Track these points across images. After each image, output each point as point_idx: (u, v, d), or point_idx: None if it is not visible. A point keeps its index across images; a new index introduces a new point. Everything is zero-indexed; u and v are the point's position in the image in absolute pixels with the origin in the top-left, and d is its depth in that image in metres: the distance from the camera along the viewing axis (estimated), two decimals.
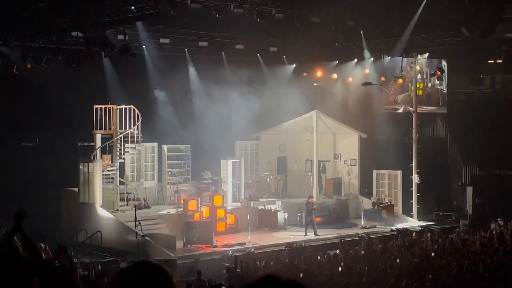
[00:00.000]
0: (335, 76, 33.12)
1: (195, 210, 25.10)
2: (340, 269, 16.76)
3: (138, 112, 26.45)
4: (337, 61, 32.94)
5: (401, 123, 32.96)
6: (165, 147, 29.33)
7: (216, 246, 23.15)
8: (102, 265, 19.42)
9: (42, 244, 19.67)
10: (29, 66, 25.16)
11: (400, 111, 31.30)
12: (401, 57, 31.00)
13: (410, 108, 30.73)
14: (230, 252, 22.00)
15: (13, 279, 3.11)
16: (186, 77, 31.15)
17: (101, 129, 26.31)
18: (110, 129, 26.34)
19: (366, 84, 30.77)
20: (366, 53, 31.32)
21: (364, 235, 25.10)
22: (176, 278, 17.71)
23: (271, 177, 31.75)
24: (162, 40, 29.24)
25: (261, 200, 29.18)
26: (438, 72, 30.32)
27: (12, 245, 7.02)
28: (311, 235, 25.53)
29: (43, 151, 28.17)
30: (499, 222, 25.21)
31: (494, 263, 16.56)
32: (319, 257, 19.60)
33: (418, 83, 30.89)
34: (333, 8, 28.35)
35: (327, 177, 32.13)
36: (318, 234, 25.73)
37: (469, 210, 31.20)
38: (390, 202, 29.91)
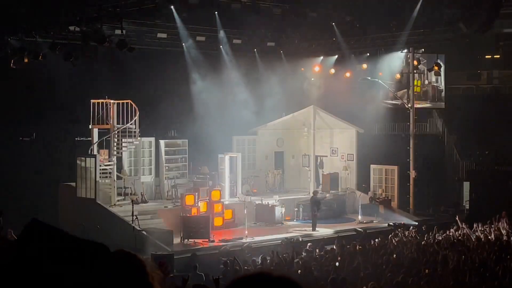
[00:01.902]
0: (332, 71, 33.12)
1: (193, 205, 25.12)
2: (337, 264, 16.80)
3: (136, 107, 26.44)
4: (335, 56, 32.93)
5: (399, 118, 33.01)
6: (162, 142, 29.35)
7: (213, 241, 23.18)
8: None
9: None
10: (26, 60, 25.09)
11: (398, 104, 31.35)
12: (399, 53, 31.06)
13: (408, 105, 30.78)
14: (228, 246, 22.05)
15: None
16: (183, 72, 31.11)
17: (98, 123, 26.27)
18: (107, 124, 26.33)
19: (363, 79, 30.80)
20: (364, 48, 31.30)
21: (361, 230, 25.17)
22: (173, 273, 17.73)
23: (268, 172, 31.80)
24: (159, 35, 29.20)
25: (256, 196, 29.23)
26: (436, 68, 30.36)
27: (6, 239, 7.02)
28: (308, 231, 25.61)
29: (40, 146, 28.15)
30: (499, 217, 25.17)
31: (491, 258, 16.61)
32: (317, 250, 19.65)
33: (415, 80, 30.95)
34: (330, 3, 28.31)
35: (324, 172, 32.17)
36: (316, 229, 25.82)
37: (466, 205, 31.25)
38: (387, 197, 29.99)
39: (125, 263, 2.73)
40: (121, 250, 2.81)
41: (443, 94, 33.84)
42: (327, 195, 26.60)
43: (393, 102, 32.35)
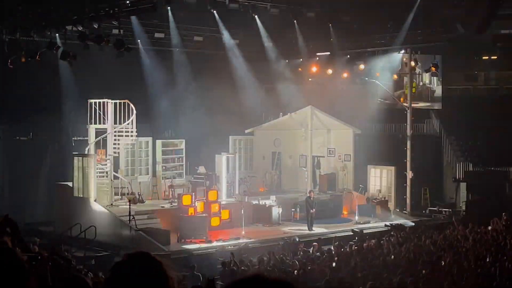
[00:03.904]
0: (330, 71, 33.11)
1: (190, 205, 25.10)
2: (334, 264, 16.80)
3: (133, 107, 26.41)
4: (332, 57, 32.90)
5: (396, 119, 33.03)
6: (159, 142, 29.32)
7: (210, 241, 23.17)
8: (96, 260, 19.42)
9: (36, 238, 19.71)
10: (23, 60, 25.06)
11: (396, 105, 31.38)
12: (396, 53, 31.08)
13: (405, 105, 30.81)
14: (225, 246, 22.03)
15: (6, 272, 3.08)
16: (181, 72, 31.10)
17: (95, 123, 26.25)
18: (104, 123, 26.30)
19: (361, 79, 30.81)
20: (361, 49, 31.32)
21: (358, 230, 25.16)
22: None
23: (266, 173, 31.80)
24: (157, 35, 29.21)
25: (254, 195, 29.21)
26: (433, 68, 30.38)
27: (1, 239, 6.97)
28: (306, 230, 25.60)
29: (37, 145, 28.11)
30: (496, 218, 25.22)
31: (487, 259, 16.63)
32: (312, 250, 19.64)
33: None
34: (328, 4, 28.35)
35: (321, 173, 32.16)
36: (313, 229, 25.81)
37: (463, 206, 31.27)
38: (384, 198, 30.00)
39: (146, 266, 2.71)
40: (142, 252, 2.78)
41: (435, 94, 33.85)
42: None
43: (390, 102, 32.36)
